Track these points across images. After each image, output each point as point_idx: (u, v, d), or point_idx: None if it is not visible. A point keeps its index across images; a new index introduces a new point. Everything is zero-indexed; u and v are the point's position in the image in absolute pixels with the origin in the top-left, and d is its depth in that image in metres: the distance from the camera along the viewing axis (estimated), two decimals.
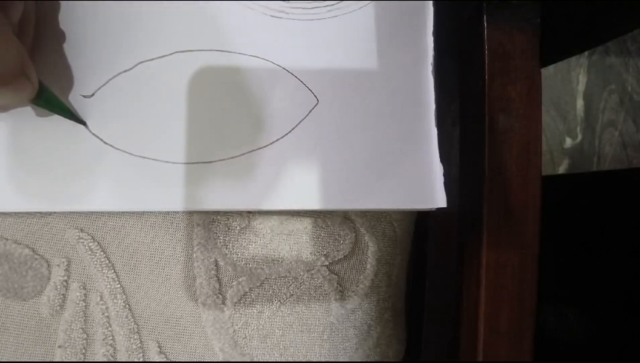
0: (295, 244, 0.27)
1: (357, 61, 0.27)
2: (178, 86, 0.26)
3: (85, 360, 0.26)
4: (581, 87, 0.92)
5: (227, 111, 0.26)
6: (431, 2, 0.27)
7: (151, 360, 0.26)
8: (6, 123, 0.25)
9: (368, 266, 0.28)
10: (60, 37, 0.26)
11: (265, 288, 0.27)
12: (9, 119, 0.25)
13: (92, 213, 0.26)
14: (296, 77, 0.26)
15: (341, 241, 0.27)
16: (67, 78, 0.26)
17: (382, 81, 0.27)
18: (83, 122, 0.25)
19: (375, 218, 0.28)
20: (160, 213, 0.26)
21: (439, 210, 0.26)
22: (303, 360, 0.27)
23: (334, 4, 0.27)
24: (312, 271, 0.27)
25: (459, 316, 0.31)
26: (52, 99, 0.24)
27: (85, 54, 0.26)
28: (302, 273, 0.27)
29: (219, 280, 0.26)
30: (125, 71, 0.26)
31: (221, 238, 0.26)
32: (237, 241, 0.26)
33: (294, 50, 0.27)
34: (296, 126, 0.26)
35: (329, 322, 0.27)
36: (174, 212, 0.26)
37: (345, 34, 0.27)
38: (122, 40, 0.26)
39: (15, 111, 0.25)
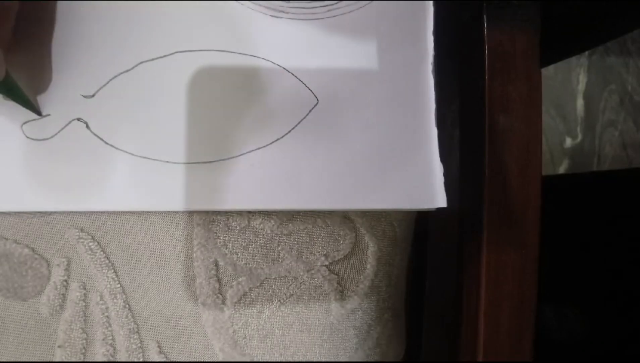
0: (295, 244, 0.27)
1: (357, 61, 0.27)
2: (178, 86, 0.26)
3: (85, 360, 0.26)
4: (581, 87, 0.92)
5: (227, 111, 0.26)
6: (431, 2, 0.27)
7: (151, 360, 0.26)
8: (6, 124, 0.25)
9: (368, 266, 0.28)
10: (59, 37, 0.26)
11: (265, 288, 0.27)
12: (9, 119, 0.25)
13: (92, 213, 0.26)
14: (296, 77, 0.26)
15: (341, 241, 0.27)
16: (67, 78, 0.26)
17: (382, 81, 0.27)
18: (39, 113, 0.25)
19: (375, 218, 0.28)
20: (160, 213, 0.26)
21: (439, 210, 0.26)
22: (303, 360, 0.27)
23: (333, 4, 0.27)
24: (312, 271, 0.27)
25: (459, 316, 0.31)
26: (14, 88, 0.24)
27: (85, 55, 0.26)
28: (302, 273, 0.27)
29: (218, 280, 0.26)
30: (125, 71, 0.26)
31: (221, 238, 0.26)
32: (237, 241, 0.26)
33: (293, 50, 0.27)
34: (296, 126, 0.26)
35: (329, 322, 0.27)
36: (174, 212, 0.26)
37: (345, 34, 0.27)
38: (122, 41, 0.26)
39: (15, 112, 0.25)
